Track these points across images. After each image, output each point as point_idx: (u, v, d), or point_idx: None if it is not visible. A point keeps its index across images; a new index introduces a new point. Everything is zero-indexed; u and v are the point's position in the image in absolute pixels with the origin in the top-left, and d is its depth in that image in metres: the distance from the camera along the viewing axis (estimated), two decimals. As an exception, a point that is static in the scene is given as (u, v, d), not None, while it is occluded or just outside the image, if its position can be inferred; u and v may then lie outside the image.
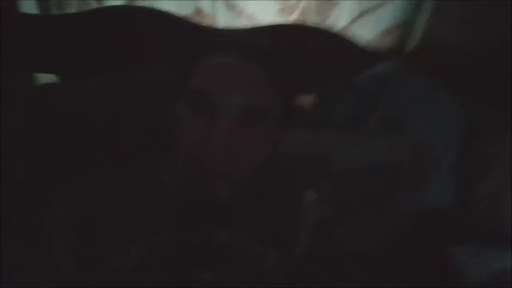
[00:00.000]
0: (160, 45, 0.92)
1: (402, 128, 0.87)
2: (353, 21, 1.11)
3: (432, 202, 0.88)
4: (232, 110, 0.52)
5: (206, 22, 1.04)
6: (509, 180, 0.82)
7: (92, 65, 0.91)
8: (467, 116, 0.94)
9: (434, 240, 0.79)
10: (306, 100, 1.07)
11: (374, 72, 0.95)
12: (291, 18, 1.08)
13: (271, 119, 0.56)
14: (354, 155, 0.81)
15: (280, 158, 0.80)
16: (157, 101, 0.66)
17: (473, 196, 0.86)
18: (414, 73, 0.95)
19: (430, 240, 0.80)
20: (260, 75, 0.55)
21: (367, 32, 1.13)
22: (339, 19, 1.10)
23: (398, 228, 0.80)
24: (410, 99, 0.91)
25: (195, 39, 0.86)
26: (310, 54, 1.01)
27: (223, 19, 1.05)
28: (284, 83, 0.58)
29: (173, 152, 0.58)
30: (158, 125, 0.64)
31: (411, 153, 0.81)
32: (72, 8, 0.96)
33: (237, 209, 0.58)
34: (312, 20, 1.09)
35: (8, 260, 0.55)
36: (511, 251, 0.77)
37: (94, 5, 0.96)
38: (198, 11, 1.03)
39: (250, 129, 0.54)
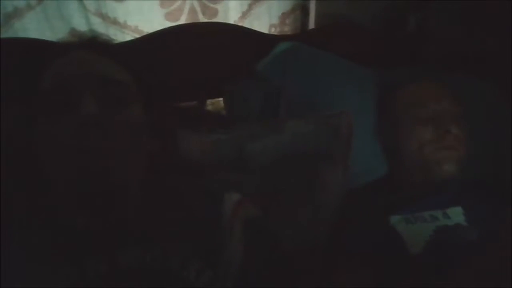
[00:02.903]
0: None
1: (314, 105, 0.84)
2: (245, 12, 1.07)
3: (364, 173, 0.86)
4: (91, 91, 0.49)
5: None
6: (429, 129, 0.81)
7: None
8: (376, 79, 0.94)
9: (372, 212, 0.76)
10: (214, 102, 1.01)
11: (273, 54, 0.91)
12: (180, 22, 1.02)
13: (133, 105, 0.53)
14: (271, 146, 0.76)
15: (195, 164, 0.74)
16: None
17: (401, 157, 0.85)
18: (313, 49, 0.93)
19: (371, 214, 0.76)
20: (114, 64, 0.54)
21: (262, 18, 1.10)
22: (229, 14, 1.05)
23: (330, 208, 0.75)
24: (315, 74, 0.88)
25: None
26: (209, 53, 0.95)
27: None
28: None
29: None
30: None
31: (329, 129, 0.78)
32: None
33: (147, 220, 0.53)
34: (201, 19, 1.03)
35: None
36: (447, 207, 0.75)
37: None
38: (72, 32, 0.93)
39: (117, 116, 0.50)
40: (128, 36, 0.99)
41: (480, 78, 0.99)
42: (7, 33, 0.87)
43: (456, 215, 0.74)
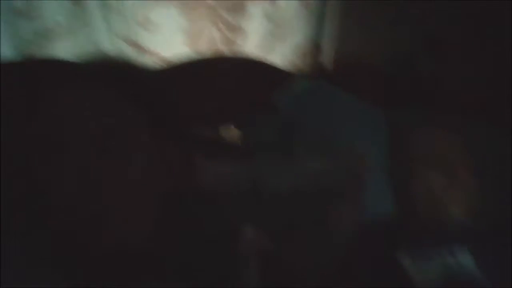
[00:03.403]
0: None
1: (329, 143, 0.86)
2: (264, 47, 1.11)
3: (373, 211, 0.87)
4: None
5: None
6: (438, 174, 0.82)
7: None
8: (388, 120, 0.96)
9: (382, 249, 0.77)
10: (228, 131, 1.03)
11: (289, 90, 0.94)
12: (198, 49, 1.06)
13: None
14: (285, 180, 0.78)
15: (208, 196, 0.75)
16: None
17: (410, 197, 0.86)
18: (329, 87, 0.96)
19: (378, 249, 0.77)
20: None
21: (284, 56, 1.14)
22: (251, 48, 1.09)
23: (343, 244, 0.76)
24: (330, 112, 0.91)
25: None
26: (226, 84, 0.98)
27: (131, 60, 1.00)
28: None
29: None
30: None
31: (343, 167, 0.79)
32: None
33: (164, 256, 0.54)
34: (219, 49, 1.07)
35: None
36: (456, 245, 0.77)
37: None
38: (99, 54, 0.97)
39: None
40: (150, 62, 1.02)
41: (493, 123, 1.01)
42: (39, 53, 0.91)
43: (463, 254, 0.75)
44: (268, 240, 0.61)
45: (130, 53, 1.00)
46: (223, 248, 0.58)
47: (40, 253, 0.50)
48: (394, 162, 0.91)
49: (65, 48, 0.94)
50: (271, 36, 1.09)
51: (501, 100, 1.06)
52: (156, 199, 0.54)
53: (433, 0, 1.03)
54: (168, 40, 1.01)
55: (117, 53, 1.00)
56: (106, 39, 0.98)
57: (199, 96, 0.97)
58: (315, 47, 1.17)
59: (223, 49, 1.08)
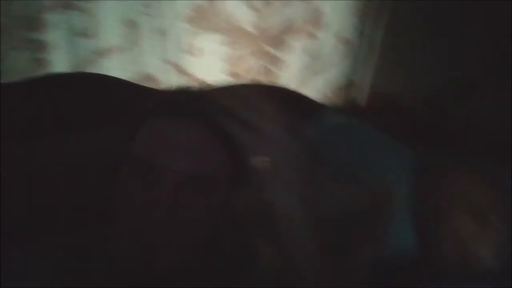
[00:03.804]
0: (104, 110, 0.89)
1: (354, 174, 0.87)
2: (303, 81, 1.15)
3: (396, 247, 0.86)
4: (175, 178, 0.50)
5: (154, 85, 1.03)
6: (468, 218, 0.81)
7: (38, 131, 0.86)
8: (416, 159, 0.96)
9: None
10: (260, 161, 1.06)
11: (323, 124, 0.96)
12: (238, 79, 1.10)
13: (218, 184, 0.55)
14: (303, 206, 0.79)
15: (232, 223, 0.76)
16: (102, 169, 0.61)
17: (436, 238, 0.85)
18: (360, 124, 0.98)
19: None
20: (206, 139, 0.54)
21: (318, 89, 1.17)
22: (288, 79, 1.13)
23: (361, 277, 0.76)
24: (360, 148, 0.92)
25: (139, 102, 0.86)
26: (264, 113, 1.01)
27: (172, 81, 1.05)
28: (232, 146, 0.58)
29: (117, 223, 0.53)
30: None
31: (367, 201, 0.80)
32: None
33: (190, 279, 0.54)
34: (260, 80, 1.12)
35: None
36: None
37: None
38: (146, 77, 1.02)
39: (196, 196, 0.51)
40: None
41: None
42: (92, 70, 0.98)
43: None
44: (288, 267, 0.62)
45: (174, 76, 1.05)
46: (241, 269, 0.59)
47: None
48: (422, 203, 0.91)
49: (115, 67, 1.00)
50: (308, 69, 1.13)
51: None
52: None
53: (468, 43, 1.04)
54: (210, 66, 1.07)
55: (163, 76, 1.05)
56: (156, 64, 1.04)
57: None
58: (349, 83, 1.21)
59: (262, 79, 1.12)
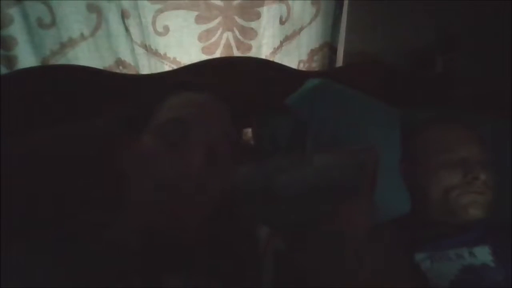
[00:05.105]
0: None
1: (341, 141, 0.88)
2: (276, 48, 1.13)
3: (387, 209, 0.88)
4: (203, 147, 0.54)
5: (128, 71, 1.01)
6: (451, 169, 0.83)
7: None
8: (401, 117, 0.97)
9: (399, 250, 0.78)
10: (244, 133, 1.06)
11: (301, 90, 0.96)
12: (215, 56, 1.08)
13: (230, 150, 0.59)
14: (297, 179, 0.80)
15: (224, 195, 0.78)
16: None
17: (427, 197, 0.86)
18: (341, 87, 0.97)
19: (395, 251, 0.78)
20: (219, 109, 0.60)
21: (292, 56, 1.15)
22: (261, 49, 1.12)
23: (356, 243, 0.78)
24: (343, 111, 0.92)
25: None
26: (241, 86, 1.00)
27: (146, 67, 1.03)
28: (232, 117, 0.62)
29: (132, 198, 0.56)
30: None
31: (355, 163, 0.81)
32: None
33: (199, 250, 0.57)
34: (235, 54, 1.10)
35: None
36: (473, 246, 0.76)
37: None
38: (118, 61, 1.00)
39: (213, 166, 0.54)
40: (166, 67, 1.06)
41: (508, 119, 1.00)
42: (60, 61, 0.95)
43: (483, 254, 0.74)
44: (281, 240, 0.64)
45: (145, 59, 1.03)
46: (239, 248, 0.60)
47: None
48: (409, 162, 0.91)
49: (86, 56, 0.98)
50: (279, 36, 1.11)
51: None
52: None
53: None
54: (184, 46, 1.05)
55: (134, 59, 1.03)
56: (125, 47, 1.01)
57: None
58: (328, 47, 1.19)
59: (238, 52, 1.10)
